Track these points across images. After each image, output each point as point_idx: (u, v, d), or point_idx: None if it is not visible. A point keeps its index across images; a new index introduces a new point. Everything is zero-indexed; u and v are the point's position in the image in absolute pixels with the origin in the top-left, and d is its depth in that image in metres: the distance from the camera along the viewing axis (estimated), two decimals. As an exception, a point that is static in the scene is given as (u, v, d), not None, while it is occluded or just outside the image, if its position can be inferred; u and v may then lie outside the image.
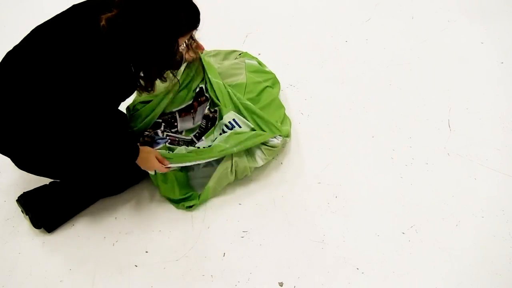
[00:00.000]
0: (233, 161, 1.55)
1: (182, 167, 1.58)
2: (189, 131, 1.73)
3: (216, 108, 1.65)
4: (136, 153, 1.42)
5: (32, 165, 1.44)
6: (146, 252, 1.49)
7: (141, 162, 1.45)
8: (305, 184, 1.64)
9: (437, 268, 1.41)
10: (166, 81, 1.38)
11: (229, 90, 1.66)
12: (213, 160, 1.65)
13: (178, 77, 1.63)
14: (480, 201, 1.56)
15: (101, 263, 1.47)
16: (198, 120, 1.72)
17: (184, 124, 1.72)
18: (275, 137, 1.61)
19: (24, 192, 1.52)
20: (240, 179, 1.63)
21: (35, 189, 1.53)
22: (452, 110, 1.85)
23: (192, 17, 1.27)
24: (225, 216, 1.57)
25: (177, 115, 1.70)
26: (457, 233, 1.49)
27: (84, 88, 1.21)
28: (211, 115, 1.66)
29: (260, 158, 1.60)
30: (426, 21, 2.24)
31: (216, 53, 1.93)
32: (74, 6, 1.31)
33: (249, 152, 1.60)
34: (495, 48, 2.09)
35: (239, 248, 1.49)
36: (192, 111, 1.71)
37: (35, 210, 1.49)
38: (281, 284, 1.40)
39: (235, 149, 1.54)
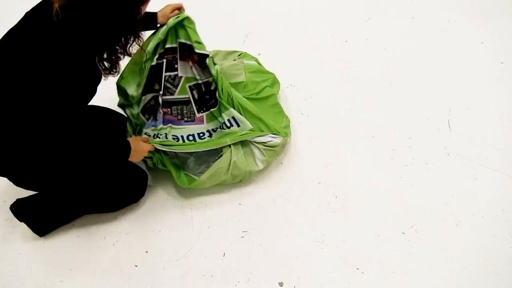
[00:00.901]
0: (231, 162, 1.55)
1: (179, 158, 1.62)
2: (188, 80, 1.64)
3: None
4: (128, 147, 1.40)
5: (25, 181, 1.37)
6: (146, 252, 1.49)
7: (132, 155, 1.42)
8: (305, 184, 1.64)
9: (437, 268, 1.41)
10: (130, 56, 1.33)
11: (230, 91, 1.63)
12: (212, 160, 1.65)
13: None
14: (480, 201, 1.56)
15: (101, 263, 1.47)
16: (200, 77, 1.63)
17: (183, 68, 1.63)
18: (274, 137, 1.61)
19: (17, 199, 1.51)
20: (237, 182, 1.63)
21: (28, 197, 1.52)
22: (452, 110, 1.85)
23: None
24: (225, 216, 1.57)
25: (178, 56, 1.61)
26: (457, 233, 1.49)
27: (52, 82, 1.14)
28: (213, 87, 1.61)
29: (260, 161, 1.60)
30: (426, 21, 2.24)
31: (215, 53, 1.93)
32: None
33: (249, 155, 1.60)
34: (495, 48, 2.09)
35: (239, 248, 1.49)
36: (190, 60, 1.63)
37: (28, 219, 1.49)
38: (281, 284, 1.40)
39: (228, 140, 1.55)
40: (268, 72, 1.87)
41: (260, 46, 2.15)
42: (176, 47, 1.60)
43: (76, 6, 1.10)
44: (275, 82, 1.85)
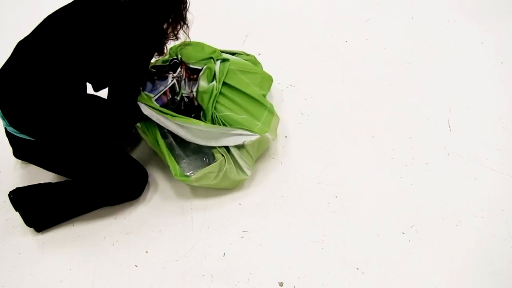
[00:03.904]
0: (224, 169, 1.52)
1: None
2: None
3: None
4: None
5: (36, 148, 1.43)
6: (146, 252, 1.49)
7: None
8: (305, 184, 1.64)
9: (437, 268, 1.41)
10: (177, 39, 1.49)
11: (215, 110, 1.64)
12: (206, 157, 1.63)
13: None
14: (480, 201, 1.56)
15: (101, 263, 1.47)
16: (185, 90, 1.68)
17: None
18: (247, 134, 1.58)
19: (17, 188, 1.51)
20: (225, 188, 1.61)
21: (28, 186, 1.53)
22: (452, 110, 1.85)
23: None
24: (225, 216, 1.57)
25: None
26: (457, 233, 1.49)
27: (129, 49, 1.35)
28: (196, 103, 1.65)
29: (247, 168, 1.58)
30: (426, 21, 2.25)
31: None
32: None
33: (236, 165, 1.57)
34: (495, 48, 2.09)
35: (239, 248, 1.49)
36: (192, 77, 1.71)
37: (24, 208, 1.49)
38: (281, 284, 1.40)
39: (202, 124, 1.54)
40: (255, 72, 1.82)
41: (260, 46, 2.15)
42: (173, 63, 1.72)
43: None
44: (264, 80, 1.82)
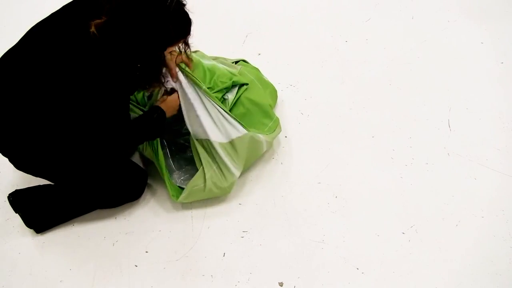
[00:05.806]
0: (206, 181, 1.50)
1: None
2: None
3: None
4: (161, 110, 1.44)
5: (34, 166, 1.41)
6: (146, 252, 1.49)
7: (168, 111, 1.47)
8: (305, 184, 1.64)
9: (437, 268, 1.41)
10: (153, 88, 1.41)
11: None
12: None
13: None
14: (480, 201, 1.57)
15: (101, 263, 1.47)
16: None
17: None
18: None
19: (16, 190, 1.51)
20: (219, 196, 1.60)
21: (27, 188, 1.53)
22: (452, 110, 1.85)
23: (182, 28, 1.25)
24: (225, 216, 1.57)
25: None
26: (457, 233, 1.49)
27: (87, 92, 1.22)
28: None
29: (234, 167, 1.54)
30: (426, 21, 2.24)
31: (215, 58, 1.88)
32: (66, 6, 1.29)
33: (222, 167, 1.53)
34: (495, 48, 2.09)
35: (239, 248, 1.49)
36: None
37: (24, 210, 1.49)
38: (281, 284, 1.40)
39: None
40: (267, 83, 1.83)
41: (260, 46, 2.15)
42: None
43: (109, 34, 1.16)
44: (272, 94, 1.83)
